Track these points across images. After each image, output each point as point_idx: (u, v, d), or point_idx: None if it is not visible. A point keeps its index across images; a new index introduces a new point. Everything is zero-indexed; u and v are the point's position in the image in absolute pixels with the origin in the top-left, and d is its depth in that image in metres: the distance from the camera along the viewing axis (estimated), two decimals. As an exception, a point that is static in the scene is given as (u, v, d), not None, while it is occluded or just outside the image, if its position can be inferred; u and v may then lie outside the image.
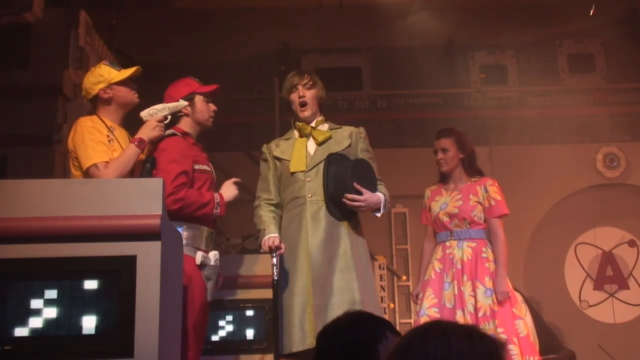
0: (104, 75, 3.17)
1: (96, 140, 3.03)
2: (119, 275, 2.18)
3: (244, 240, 5.91)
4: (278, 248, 3.29)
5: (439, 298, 3.73)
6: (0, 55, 5.21)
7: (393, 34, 7.26)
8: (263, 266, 3.93)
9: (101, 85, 3.16)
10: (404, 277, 7.14)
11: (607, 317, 7.14)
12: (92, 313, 2.15)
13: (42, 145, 5.21)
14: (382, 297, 6.51)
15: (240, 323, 3.86)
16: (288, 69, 7.51)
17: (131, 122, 3.25)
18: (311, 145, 3.48)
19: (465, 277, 3.69)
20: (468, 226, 3.77)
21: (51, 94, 5.33)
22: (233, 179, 3.39)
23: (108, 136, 3.09)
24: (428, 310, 3.72)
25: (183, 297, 2.80)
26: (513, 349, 3.54)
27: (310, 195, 3.37)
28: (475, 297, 3.64)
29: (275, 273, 3.27)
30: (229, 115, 5.01)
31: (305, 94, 3.50)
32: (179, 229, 2.97)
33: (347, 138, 3.51)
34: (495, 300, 3.62)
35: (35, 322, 2.14)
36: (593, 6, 7.09)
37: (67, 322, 2.14)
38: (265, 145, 3.59)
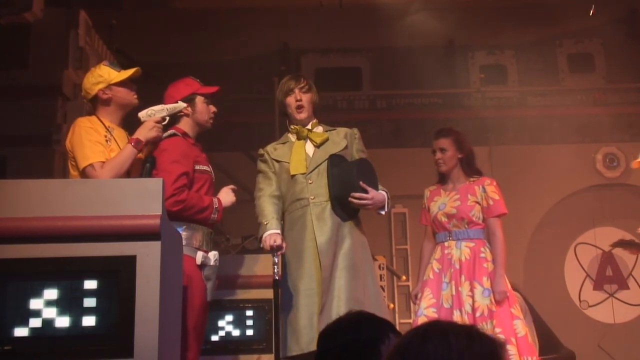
0: (104, 76, 3.17)
1: (93, 140, 3.03)
2: (119, 276, 2.17)
3: (244, 241, 5.92)
4: (279, 248, 3.29)
5: (437, 298, 3.73)
6: (0, 55, 5.22)
7: (393, 34, 7.26)
8: (263, 266, 3.93)
9: (100, 86, 3.16)
10: (404, 277, 7.14)
11: (607, 317, 7.15)
12: (91, 313, 2.15)
13: (42, 145, 5.22)
14: (381, 297, 6.51)
15: (240, 323, 3.86)
16: (288, 69, 7.53)
17: (131, 122, 3.24)
18: (309, 148, 3.51)
19: (463, 277, 3.69)
20: (466, 226, 3.77)
21: (51, 94, 5.33)
22: (231, 186, 3.40)
23: (105, 136, 3.09)
24: (426, 310, 3.72)
25: (183, 297, 2.80)
26: (511, 349, 3.53)
27: (313, 197, 3.39)
28: (473, 297, 3.64)
29: (276, 272, 3.28)
30: (228, 115, 5.01)
31: (301, 97, 3.53)
32: (179, 229, 2.97)
33: (343, 139, 3.56)
34: (493, 300, 3.62)
35: (35, 322, 2.14)
36: (593, 6, 7.09)
37: (66, 322, 2.14)
38: (261, 148, 3.61)
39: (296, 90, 3.53)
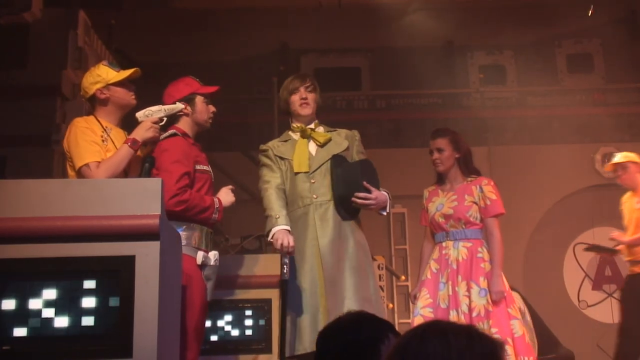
0: (102, 76, 3.17)
1: (89, 141, 3.03)
2: (118, 276, 2.17)
3: (243, 241, 5.91)
4: (292, 252, 3.29)
5: (434, 298, 3.73)
6: (-1, 55, 5.22)
7: (392, 34, 7.26)
8: (262, 266, 3.93)
9: (98, 86, 3.16)
10: (403, 277, 7.15)
11: (606, 317, 7.14)
12: (90, 313, 2.15)
13: (41, 145, 5.22)
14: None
15: (239, 323, 3.86)
16: (287, 69, 7.53)
17: (131, 123, 3.24)
18: (312, 147, 3.53)
19: (460, 278, 3.69)
20: (463, 226, 3.77)
21: (50, 94, 5.33)
22: (230, 186, 3.41)
23: (102, 136, 3.09)
24: (422, 310, 3.72)
25: (182, 297, 2.80)
26: (507, 349, 3.53)
27: (315, 196, 3.42)
28: (469, 297, 3.64)
29: (285, 273, 3.28)
30: (228, 115, 5.01)
31: (307, 95, 3.57)
32: (179, 230, 2.97)
33: (344, 140, 3.59)
34: (490, 300, 3.62)
35: (34, 322, 2.14)
36: (592, 6, 7.09)
37: (65, 322, 2.14)
38: (264, 145, 3.62)
39: (301, 89, 3.57)
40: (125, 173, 3.08)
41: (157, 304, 2.15)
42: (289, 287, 3.33)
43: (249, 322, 3.86)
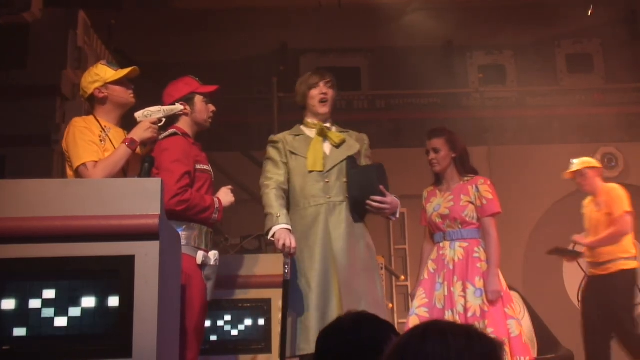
0: (100, 75, 3.18)
1: (87, 140, 3.03)
2: (118, 275, 2.18)
3: (243, 240, 5.91)
4: (294, 253, 3.27)
5: (430, 298, 3.73)
6: (-2, 55, 5.22)
7: (392, 34, 7.26)
8: (261, 266, 3.93)
9: (97, 85, 3.16)
10: (403, 277, 7.15)
11: (606, 317, 7.13)
12: (90, 313, 2.15)
13: (41, 145, 5.21)
14: (380, 297, 6.52)
15: (239, 323, 3.86)
16: (287, 69, 7.53)
17: (131, 123, 3.24)
18: (327, 146, 3.51)
19: (455, 278, 3.68)
20: (460, 226, 3.77)
21: (49, 94, 5.33)
22: (229, 187, 3.40)
23: (100, 136, 3.09)
24: (417, 310, 3.72)
25: (182, 297, 2.80)
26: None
27: (329, 197, 3.40)
28: (465, 297, 3.63)
29: (287, 273, 3.27)
30: (227, 115, 5.02)
31: (327, 91, 3.54)
32: (179, 229, 2.97)
33: (356, 143, 3.58)
34: (486, 300, 3.61)
35: (34, 322, 2.14)
36: (591, 6, 7.09)
37: (65, 322, 2.14)
38: (275, 135, 3.58)
39: (321, 84, 3.54)
40: (124, 173, 3.08)
41: (156, 304, 2.15)
42: (293, 286, 3.32)
43: (248, 322, 3.87)
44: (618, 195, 5.09)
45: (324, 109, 3.53)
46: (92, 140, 3.05)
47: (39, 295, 2.15)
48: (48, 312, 2.15)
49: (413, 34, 7.24)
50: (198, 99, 3.34)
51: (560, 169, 7.04)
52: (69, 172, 3.11)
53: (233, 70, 7.19)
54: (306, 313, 3.25)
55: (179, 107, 3.27)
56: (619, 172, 7.30)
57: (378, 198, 3.38)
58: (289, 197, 3.49)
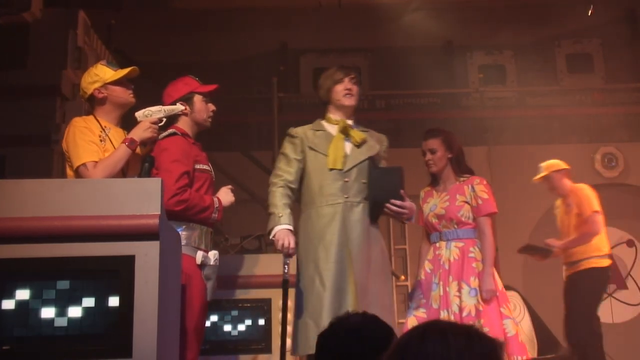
0: (99, 75, 3.18)
1: (87, 140, 3.04)
2: (118, 275, 2.18)
3: (243, 240, 5.91)
4: (292, 252, 3.26)
5: (427, 299, 3.74)
6: (-2, 55, 5.22)
7: (392, 34, 7.26)
8: (261, 266, 3.94)
9: (96, 85, 3.17)
10: (402, 277, 7.14)
11: (606, 317, 7.11)
12: (90, 313, 2.15)
13: (41, 145, 5.21)
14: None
15: (239, 323, 3.86)
16: (287, 69, 7.53)
17: (132, 123, 3.24)
18: (347, 145, 3.48)
19: (451, 278, 3.69)
20: (456, 226, 3.77)
21: (49, 94, 5.32)
22: (229, 186, 3.39)
23: (100, 136, 3.09)
24: (415, 311, 3.72)
25: (182, 297, 2.80)
26: None
27: (347, 196, 3.37)
28: (460, 297, 3.64)
29: (286, 273, 3.25)
30: (227, 115, 5.02)
31: (352, 87, 3.52)
32: (179, 229, 2.97)
33: (376, 143, 3.56)
34: (481, 300, 3.62)
35: (34, 322, 2.14)
36: (591, 6, 7.09)
37: (65, 322, 2.14)
38: (294, 128, 3.53)
39: (346, 80, 3.52)
40: (123, 173, 3.08)
41: (156, 304, 2.15)
42: (306, 285, 3.29)
43: (248, 322, 3.87)
44: (586, 195, 5.08)
45: (349, 101, 3.50)
46: (92, 140, 3.05)
47: (39, 295, 2.15)
48: (48, 312, 2.15)
49: (413, 34, 7.24)
50: (197, 99, 3.33)
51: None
52: (69, 172, 3.11)
53: (233, 70, 7.19)
54: (319, 312, 3.20)
55: (179, 107, 3.26)
56: (619, 172, 7.31)
57: (398, 202, 3.35)
58: (304, 194, 3.45)
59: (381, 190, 3.37)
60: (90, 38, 5.78)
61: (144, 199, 2.26)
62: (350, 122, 3.53)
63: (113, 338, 2.13)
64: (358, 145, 3.47)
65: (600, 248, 5.04)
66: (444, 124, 5.91)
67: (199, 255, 3.11)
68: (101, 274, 2.18)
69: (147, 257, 2.19)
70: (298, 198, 3.48)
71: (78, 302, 2.16)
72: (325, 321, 3.20)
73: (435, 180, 3.94)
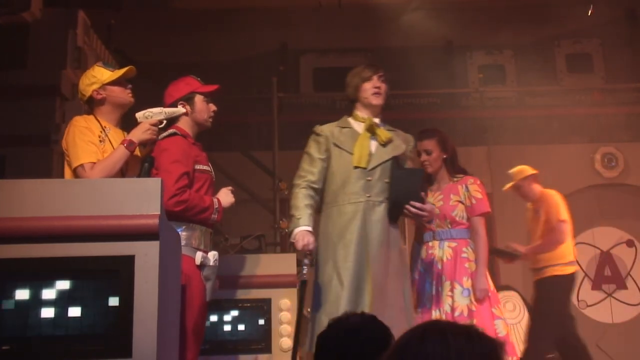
0: (97, 77, 3.19)
1: (86, 141, 3.04)
2: (117, 275, 2.17)
3: (243, 240, 5.90)
4: (311, 252, 3.24)
5: (421, 298, 3.75)
6: (-2, 55, 5.22)
7: (392, 34, 7.26)
8: (262, 266, 3.93)
9: (94, 87, 3.17)
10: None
11: (605, 317, 7.15)
12: (90, 313, 2.15)
13: (40, 145, 5.21)
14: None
15: (239, 323, 3.86)
16: (287, 69, 7.53)
17: (132, 124, 3.24)
18: (373, 143, 3.47)
19: (443, 277, 3.70)
20: (449, 226, 3.78)
21: (49, 94, 5.32)
22: (229, 187, 3.39)
23: (100, 136, 3.09)
24: None
25: (182, 297, 2.80)
26: None
27: (369, 195, 3.36)
28: (452, 297, 3.65)
29: (304, 274, 3.22)
30: (227, 115, 5.02)
31: (380, 85, 3.51)
32: (178, 230, 2.97)
33: (402, 143, 3.56)
34: (473, 300, 3.63)
35: (33, 322, 2.14)
36: (591, 6, 7.09)
37: (64, 322, 2.14)
38: (320, 126, 3.52)
39: (375, 78, 3.52)
40: (122, 173, 3.08)
41: (156, 304, 2.15)
42: (324, 283, 3.27)
43: (248, 322, 3.87)
44: (555, 203, 5.08)
45: (377, 100, 3.49)
46: (91, 141, 3.05)
47: (38, 295, 2.15)
48: (48, 312, 2.14)
49: (413, 33, 7.24)
50: (198, 99, 3.33)
51: (560, 169, 7.06)
52: (68, 170, 3.11)
53: (233, 70, 7.18)
54: (336, 311, 3.14)
55: (180, 109, 3.26)
56: (618, 172, 7.31)
57: (418, 204, 3.35)
58: (327, 192, 3.43)
59: (402, 191, 3.36)
60: (90, 38, 5.78)
61: (143, 199, 2.26)
62: (377, 120, 3.52)
63: (113, 338, 2.13)
64: (384, 145, 3.47)
65: (564, 255, 5.03)
66: (443, 123, 5.92)
67: (199, 256, 3.11)
68: (101, 274, 2.18)
69: (147, 257, 2.19)
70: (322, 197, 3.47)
71: (78, 302, 2.15)
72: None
73: (429, 180, 3.95)
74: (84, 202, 2.24)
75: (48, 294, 2.15)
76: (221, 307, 3.82)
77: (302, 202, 3.34)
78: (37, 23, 5.04)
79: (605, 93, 7.67)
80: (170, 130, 3.25)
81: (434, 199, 3.84)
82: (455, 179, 3.87)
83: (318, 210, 3.45)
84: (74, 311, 2.15)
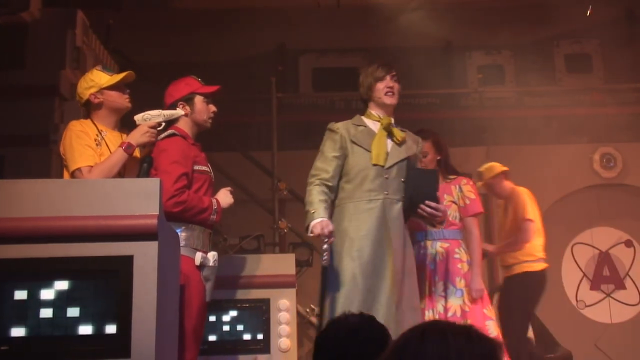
0: (95, 80, 3.19)
1: (83, 144, 3.04)
2: (116, 276, 2.17)
3: (241, 241, 5.91)
4: (330, 236, 3.19)
5: None
6: (-3, 55, 5.21)
7: (390, 34, 7.25)
8: (260, 266, 3.93)
9: (92, 90, 3.18)
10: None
11: (604, 317, 7.15)
12: (88, 313, 2.15)
13: (39, 145, 5.20)
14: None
15: (238, 323, 3.86)
16: (285, 69, 7.52)
17: (131, 126, 3.24)
18: (389, 142, 3.48)
19: (436, 278, 3.72)
20: (442, 226, 3.79)
21: (48, 94, 5.32)
22: (228, 188, 3.39)
23: (96, 139, 3.09)
24: None
25: (181, 298, 2.80)
26: None
27: (387, 193, 3.37)
28: (445, 297, 3.67)
29: (325, 259, 3.19)
30: (225, 115, 5.02)
31: (393, 85, 3.52)
32: (178, 230, 2.97)
33: (413, 144, 3.58)
34: (466, 301, 3.66)
35: (32, 323, 2.14)
36: (590, 7, 7.09)
37: (63, 323, 2.14)
38: (336, 124, 3.51)
39: (388, 77, 3.52)
40: (120, 176, 3.08)
41: (155, 304, 2.15)
42: (340, 277, 3.24)
43: (247, 322, 3.87)
44: (523, 201, 5.04)
45: (391, 100, 3.50)
46: (87, 144, 3.06)
47: (37, 295, 2.15)
48: (46, 313, 2.14)
49: (412, 34, 7.23)
50: (198, 100, 3.33)
51: (559, 169, 7.07)
52: (67, 175, 3.12)
53: (231, 70, 7.17)
54: (350, 305, 3.13)
55: (179, 112, 3.27)
56: (617, 172, 7.31)
57: (434, 204, 3.35)
58: (342, 189, 3.41)
59: (419, 190, 3.38)
60: (88, 38, 5.77)
61: (142, 199, 2.26)
62: (392, 119, 3.54)
63: (112, 338, 2.13)
64: (399, 144, 3.48)
65: (532, 253, 5.00)
66: (442, 124, 5.92)
67: (198, 256, 3.11)
68: (100, 274, 2.18)
69: (145, 257, 2.19)
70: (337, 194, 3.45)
71: (76, 302, 2.15)
72: (355, 305, 3.12)
73: None
74: (83, 202, 2.24)
75: (47, 294, 2.15)
76: (220, 307, 3.82)
77: (316, 197, 3.31)
78: (35, 23, 5.04)
79: (605, 93, 7.67)
80: (170, 131, 3.25)
81: None
82: (448, 180, 3.89)
83: (332, 206, 3.43)
84: (73, 311, 2.15)
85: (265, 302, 3.83)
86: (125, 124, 3.29)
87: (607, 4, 7.19)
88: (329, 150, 3.44)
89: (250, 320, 3.87)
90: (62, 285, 2.16)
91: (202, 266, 3.12)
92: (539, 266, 5.03)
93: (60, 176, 3.23)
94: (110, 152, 3.08)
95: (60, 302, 2.15)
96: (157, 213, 2.24)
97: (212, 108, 3.39)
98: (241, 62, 7.47)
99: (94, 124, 3.15)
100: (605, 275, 7.30)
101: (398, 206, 3.38)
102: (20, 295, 2.15)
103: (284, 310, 3.84)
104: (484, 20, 7.29)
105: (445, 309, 3.64)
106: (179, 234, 2.95)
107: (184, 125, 3.30)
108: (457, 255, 3.75)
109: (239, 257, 4.18)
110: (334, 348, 2.10)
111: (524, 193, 5.12)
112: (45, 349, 2.12)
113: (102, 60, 5.89)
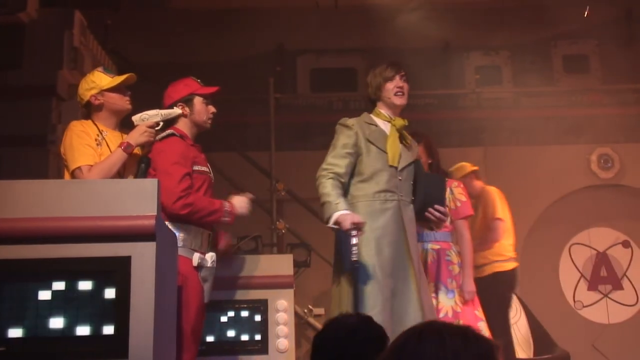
0: (96, 82, 3.19)
1: (83, 144, 3.05)
2: (114, 276, 2.17)
3: (239, 241, 5.90)
4: (361, 227, 3.11)
5: None
6: (-6, 56, 5.21)
7: (388, 35, 7.26)
8: (258, 267, 3.93)
9: (92, 92, 3.18)
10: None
11: (601, 318, 7.16)
12: (86, 314, 2.15)
13: (37, 145, 5.20)
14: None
15: (236, 324, 3.86)
16: (283, 69, 7.52)
17: (129, 127, 3.24)
18: (400, 144, 3.48)
19: (427, 279, 3.72)
20: (438, 229, 3.81)
21: (45, 95, 5.32)
22: (250, 195, 3.36)
23: (96, 139, 3.10)
24: None
25: (179, 299, 2.80)
26: None
27: (401, 194, 3.37)
28: (437, 298, 3.69)
29: (355, 254, 3.07)
30: (224, 115, 5.03)
31: (402, 85, 3.54)
32: (176, 231, 2.97)
33: (416, 147, 3.62)
34: (458, 302, 3.68)
35: (29, 324, 2.13)
36: (588, 7, 7.10)
37: (61, 323, 2.14)
38: (348, 119, 3.46)
39: (397, 77, 3.54)
40: (120, 176, 3.08)
41: (152, 305, 2.15)
42: (363, 277, 3.18)
43: (245, 322, 3.86)
44: (492, 200, 5.04)
45: (401, 100, 3.51)
46: (88, 144, 3.06)
47: (34, 296, 2.15)
48: (44, 313, 2.14)
49: (410, 34, 7.23)
50: (197, 100, 3.33)
51: (557, 170, 7.08)
52: (67, 175, 3.12)
53: (229, 70, 7.17)
54: (372, 309, 3.08)
55: (177, 111, 3.26)
56: (614, 173, 7.32)
57: (442, 209, 3.38)
58: (354, 187, 3.37)
59: (429, 194, 3.40)
60: (86, 38, 5.77)
61: (140, 199, 2.26)
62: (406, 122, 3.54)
63: (109, 339, 2.12)
64: (407, 147, 3.50)
65: (501, 252, 5.00)
66: (440, 124, 5.92)
67: (196, 257, 3.11)
68: (97, 274, 2.18)
69: (143, 258, 2.18)
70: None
71: (74, 303, 2.15)
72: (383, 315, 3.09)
73: None
74: (80, 202, 2.24)
75: (44, 295, 2.15)
76: (218, 307, 3.82)
77: (332, 189, 3.23)
78: (33, 23, 5.03)
79: (602, 94, 7.68)
80: (168, 131, 3.25)
81: None
82: None
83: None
84: (70, 312, 2.14)
85: (263, 303, 3.83)
86: (125, 124, 3.29)
87: (605, 5, 7.21)
88: (343, 146, 3.37)
89: (248, 321, 3.86)
90: (59, 286, 2.16)
91: (200, 267, 3.12)
92: (510, 265, 5.04)
93: (58, 176, 3.24)
94: (111, 152, 3.08)
95: (58, 302, 2.15)
96: (155, 214, 2.24)
97: (212, 109, 3.39)
98: (239, 63, 7.47)
99: (95, 124, 3.16)
100: (603, 275, 7.32)
101: (411, 207, 3.40)
102: (17, 295, 2.15)
103: (282, 311, 3.84)
104: (481, 20, 7.30)
105: (437, 310, 3.66)
106: (176, 234, 2.94)
107: (183, 126, 3.30)
108: (448, 258, 3.79)
109: (237, 258, 4.17)
110: (332, 348, 2.10)
111: (494, 192, 5.12)
112: (42, 350, 2.12)
113: (100, 60, 5.89)
